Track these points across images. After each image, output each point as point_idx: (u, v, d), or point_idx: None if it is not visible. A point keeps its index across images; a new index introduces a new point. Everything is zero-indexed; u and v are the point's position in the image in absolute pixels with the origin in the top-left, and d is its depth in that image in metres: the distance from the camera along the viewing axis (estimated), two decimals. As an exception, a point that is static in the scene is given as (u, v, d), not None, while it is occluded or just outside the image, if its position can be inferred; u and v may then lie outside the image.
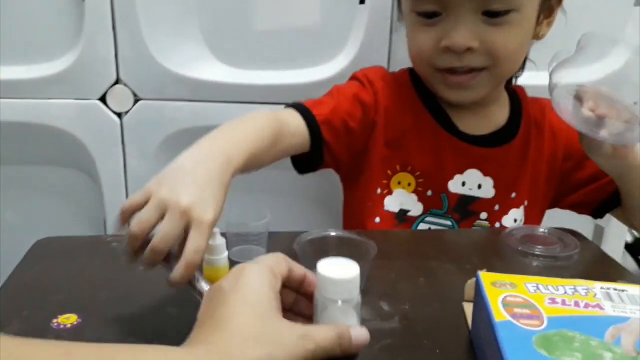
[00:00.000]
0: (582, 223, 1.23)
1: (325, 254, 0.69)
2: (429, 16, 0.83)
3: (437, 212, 0.91)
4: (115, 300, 0.63)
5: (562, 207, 0.99)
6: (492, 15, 0.80)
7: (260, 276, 0.48)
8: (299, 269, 0.53)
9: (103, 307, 0.62)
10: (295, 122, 0.84)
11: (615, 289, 0.55)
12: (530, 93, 1.00)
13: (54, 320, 0.58)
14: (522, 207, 0.93)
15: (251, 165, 0.70)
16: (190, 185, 0.57)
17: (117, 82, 1.09)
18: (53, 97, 1.09)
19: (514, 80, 1.00)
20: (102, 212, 1.16)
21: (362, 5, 1.07)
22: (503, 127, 0.93)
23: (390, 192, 0.92)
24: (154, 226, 0.54)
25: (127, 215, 0.57)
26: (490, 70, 0.85)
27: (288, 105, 0.87)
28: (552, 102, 0.78)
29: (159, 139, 1.12)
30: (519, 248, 0.77)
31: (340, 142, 0.88)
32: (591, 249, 0.81)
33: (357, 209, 0.94)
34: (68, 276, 0.68)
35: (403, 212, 0.91)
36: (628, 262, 1.41)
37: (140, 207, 0.56)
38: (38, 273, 0.68)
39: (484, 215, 0.92)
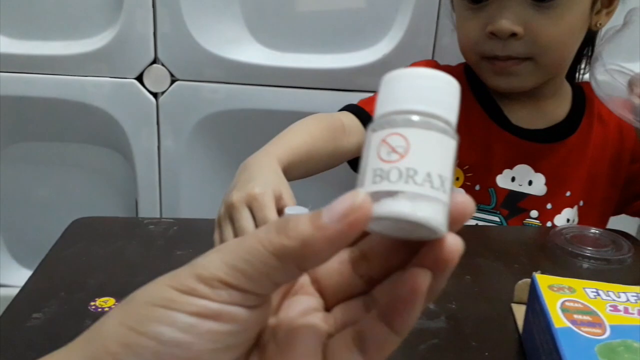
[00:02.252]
0: (625, 224, 1.19)
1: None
2: (476, 1, 0.81)
3: (485, 207, 0.89)
4: (154, 285, 0.61)
5: (629, 214, 0.95)
6: (541, 0, 0.77)
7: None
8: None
9: (141, 292, 0.60)
10: (349, 122, 0.83)
11: (680, 299, 0.52)
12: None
13: (92, 303, 0.57)
14: (576, 207, 0.90)
15: (305, 161, 0.72)
16: (235, 188, 0.62)
17: (154, 61, 1.08)
18: (90, 75, 1.09)
19: (577, 76, 0.96)
20: (135, 192, 1.15)
21: (408, -11, 1.04)
22: (560, 122, 0.90)
23: None
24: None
25: None
26: (536, 60, 0.81)
27: (341, 109, 0.87)
28: (596, 87, 0.73)
29: (194, 121, 1.11)
30: (569, 249, 0.74)
31: None
32: (644, 253, 0.77)
33: None
34: (105, 258, 0.67)
35: None
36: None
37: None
38: (75, 253, 0.67)
39: (534, 213, 0.89)
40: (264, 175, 0.63)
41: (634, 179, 0.91)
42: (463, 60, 0.94)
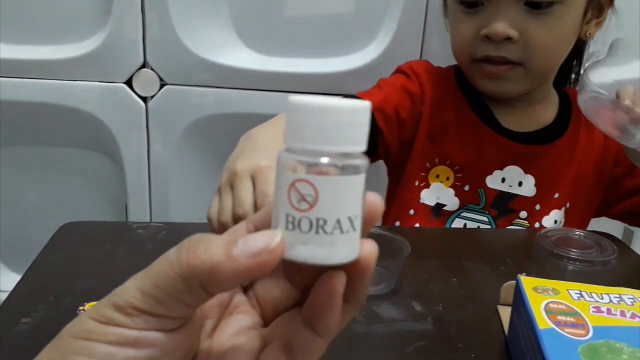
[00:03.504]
0: (611, 226, 1.20)
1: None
2: (471, 5, 0.82)
3: (474, 207, 0.90)
4: (142, 289, 0.62)
5: (610, 217, 0.96)
6: (535, 7, 0.78)
7: None
8: None
9: (130, 296, 0.60)
10: None
11: (662, 300, 0.53)
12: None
13: (81, 308, 0.57)
14: (563, 209, 0.91)
15: None
16: (239, 157, 0.62)
17: (143, 65, 1.08)
18: (79, 79, 1.08)
19: (571, 85, 0.98)
20: (124, 196, 1.15)
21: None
22: (549, 125, 0.91)
23: (427, 185, 0.91)
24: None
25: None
26: (526, 66, 0.82)
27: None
28: (582, 104, 0.75)
29: (183, 125, 1.11)
30: (554, 251, 0.75)
31: (392, 132, 0.88)
32: (629, 255, 0.78)
33: (396, 200, 0.94)
34: (94, 263, 0.67)
35: (439, 206, 0.90)
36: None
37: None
38: (64, 258, 0.67)
39: (523, 214, 0.90)
40: (270, 149, 0.62)
41: (616, 183, 0.92)
42: (449, 64, 0.95)
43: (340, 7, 1.08)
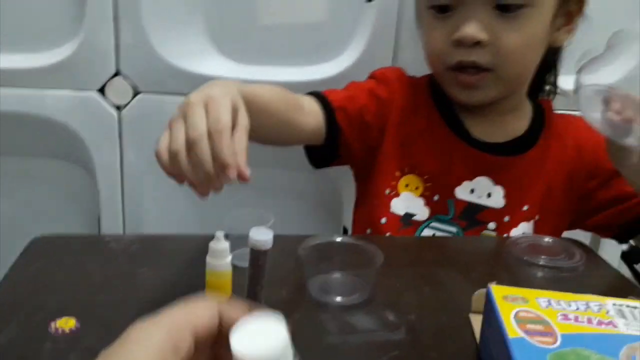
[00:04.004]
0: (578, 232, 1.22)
1: (330, 260, 0.69)
2: (442, 10, 0.83)
3: (443, 217, 0.90)
4: (114, 304, 0.61)
5: (584, 229, 0.97)
6: (504, 10, 0.80)
7: (147, 345, 0.37)
8: (235, 314, 0.39)
9: (102, 311, 0.60)
10: (309, 104, 0.85)
11: (628, 306, 0.54)
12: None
13: (52, 325, 0.57)
14: (532, 222, 0.91)
15: (262, 110, 0.71)
16: (197, 90, 0.61)
17: (116, 74, 1.07)
18: (50, 88, 1.07)
19: (541, 95, 0.99)
20: (97, 206, 1.14)
21: (369, 3, 1.05)
22: (520, 136, 0.92)
23: (397, 194, 0.91)
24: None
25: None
26: (497, 72, 0.83)
27: (305, 94, 0.88)
28: (578, 103, 0.73)
29: (157, 134, 1.07)
30: (524, 258, 0.76)
31: (354, 133, 0.89)
32: (596, 260, 0.80)
33: (367, 208, 0.94)
34: (66, 277, 0.66)
35: (409, 216, 0.91)
36: (624, 271, 1.41)
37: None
38: (35, 273, 0.67)
39: (492, 225, 0.90)
40: (221, 85, 0.62)
41: (589, 196, 0.93)
42: (421, 73, 0.96)
43: (314, 16, 1.08)
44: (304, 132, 0.84)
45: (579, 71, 0.74)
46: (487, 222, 0.90)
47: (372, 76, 0.95)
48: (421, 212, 0.90)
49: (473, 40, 0.80)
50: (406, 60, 1.05)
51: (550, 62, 0.93)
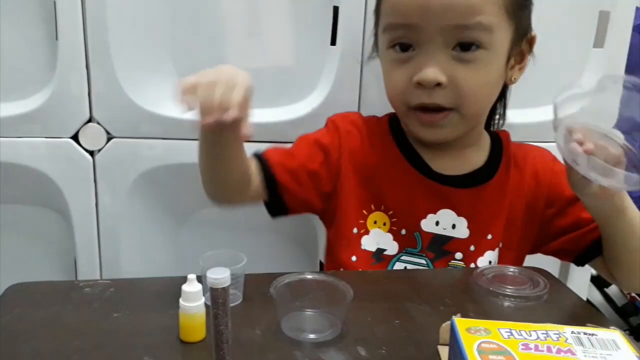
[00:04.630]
0: (549, 259, 1.25)
1: (302, 297, 0.70)
2: (404, 48, 0.86)
3: (412, 250, 0.93)
4: (90, 350, 0.62)
5: (545, 253, 1.00)
6: (463, 49, 0.83)
7: None
8: None
9: (77, 358, 0.61)
10: (252, 166, 0.90)
11: (585, 334, 0.56)
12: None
13: (28, 373, 0.57)
14: (497, 250, 0.94)
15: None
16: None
17: (90, 120, 1.08)
18: (24, 136, 1.08)
19: (493, 125, 1.02)
20: (73, 251, 1.14)
21: (333, 47, 1.09)
22: (479, 168, 0.95)
23: (367, 232, 0.93)
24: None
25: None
26: (459, 111, 0.86)
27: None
28: (555, 134, 0.76)
29: (132, 177, 1.12)
30: (490, 288, 0.79)
31: (303, 187, 0.91)
32: (559, 288, 0.83)
33: (335, 247, 0.96)
34: (41, 325, 0.67)
35: (380, 251, 0.93)
36: (594, 294, 1.44)
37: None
38: (10, 322, 0.67)
39: (459, 255, 0.93)
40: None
41: (547, 223, 0.96)
42: (387, 111, 1.00)
43: (281, 60, 1.12)
44: (256, 193, 0.90)
45: (556, 106, 0.76)
46: (454, 252, 0.93)
47: (325, 123, 0.99)
48: (391, 246, 0.93)
49: (433, 82, 0.83)
50: (372, 99, 1.09)
51: (500, 95, 0.96)
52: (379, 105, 1.02)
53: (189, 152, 1.11)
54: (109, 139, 1.10)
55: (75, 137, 1.09)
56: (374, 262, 0.92)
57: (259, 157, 0.91)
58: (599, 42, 1.19)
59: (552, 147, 1.26)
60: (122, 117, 1.09)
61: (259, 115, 1.10)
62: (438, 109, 0.86)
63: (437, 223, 0.92)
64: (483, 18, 0.81)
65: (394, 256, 0.93)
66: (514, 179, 0.95)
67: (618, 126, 0.82)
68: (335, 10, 1.07)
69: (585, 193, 0.81)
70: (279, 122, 1.09)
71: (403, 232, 0.93)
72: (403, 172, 0.93)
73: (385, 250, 0.93)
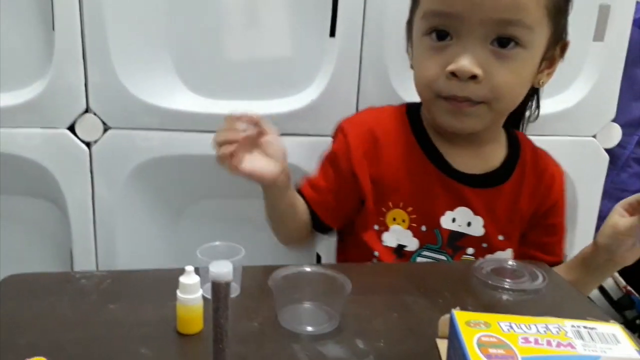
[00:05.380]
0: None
1: (300, 289, 0.70)
2: (440, 37, 0.84)
3: (432, 247, 0.92)
4: (86, 342, 0.62)
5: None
6: (501, 45, 0.81)
7: None
8: None
9: (73, 349, 0.60)
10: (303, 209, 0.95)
11: (585, 327, 0.56)
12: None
13: (23, 364, 0.57)
14: (508, 250, 0.94)
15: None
16: None
17: (86, 111, 1.08)
18: (20, 126, 1.07)
19: (521, 127, 1.03)
20: (69, 242, 1.14)
21: (332, 38, 1.08)
22: (497, 168, 0.94)
23: (387, 229, 0.93)
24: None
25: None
26: (490, 105, 0.85)
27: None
28: None
29: (128, 168, 1.11)
30: (489, 282, 0.78)
31: (337, 208, 0.95)
32: (558, 282, 0.83)
33: (355, 243, 0.96)
34: (37, 316, 0.66)
35: (401, 247, 0.92)
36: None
37: None
38: (6, 313, 0.67)
39: (470, 250, 0.93)
40: None
41: (534, 228, 0.97)
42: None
43: (279, 52, 1.11)
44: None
45: None
46: (467, 247, 0.93)
47: (334, 131, 0.99)
48: (411, 243, 0.92)
49: (469, 74, 0.81)
50: (370, 90, 1.08)
51: (529, 97, 0.98)
52: (377, 98, 1.01)
53: (186, 143, 1.11)
54: (105, 130, 1.09)
55: (71, 128, 1.09)
56: (395, 258, 0.92)
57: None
58: (599, 35, 1.19)
59: (551, 141, 1.26)
60: (119, 108, 1.08)
61: (256, 107, 1.10)
62: (469, 102, 0.85)
63: (453, 220, 0.92)
64: (526, 16, 0.80)
65: (414, 252, 0.93)
66: (529, 183, 0.95)
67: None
68: (335, 1, 1.06)
69: (618, 255, 0.88)
70: (274, 114, 1.08)
71: (423, 228, 0.92)
72: (422, 168, 0.92)
73: (405, 246, 0.92)
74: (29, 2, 1.05)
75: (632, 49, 1.21)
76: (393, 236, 0.92)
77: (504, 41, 0.81)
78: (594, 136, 1.26)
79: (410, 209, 0.92)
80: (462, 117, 0.86)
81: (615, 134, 1.27)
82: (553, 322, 0.57)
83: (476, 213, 0.92)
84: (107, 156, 1.10)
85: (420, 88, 0.90)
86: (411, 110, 0.96)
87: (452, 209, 0.92)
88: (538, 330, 0.55)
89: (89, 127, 1.08)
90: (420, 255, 0.93)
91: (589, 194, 1.27)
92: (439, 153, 0.93)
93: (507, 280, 0.78)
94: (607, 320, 0.59)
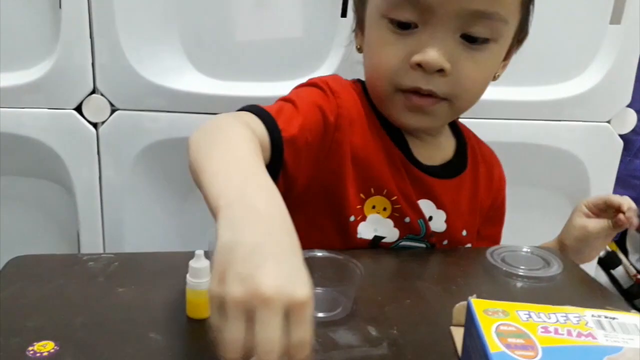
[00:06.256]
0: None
1: (311, 274, 0.68)
2: (404, 26, 0.75)
3: (414, 237, 0.86)
4: (94, 325, 0.61)
5: None
6: (471, 41, 0.74)
7: None
8: None
9: (81, 333, 0.59)
10: (260, 133, 0.70)
11: (606, 317, 0.55)
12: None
13: (30, 349, 0.56)
14: (467, 246, 0.91)
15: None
16: (260, 261, 0.42)
17: (93, 91, 1.06)
18: (27, 107, 1.06)
19: None
20: (76, 224, 1.13)
21: (343, 19, 1.06)
22: (452, 158, 0.89)
23: (364, 218, 0.83)
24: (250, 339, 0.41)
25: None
26: (451, 102, 0.78)
27: (245, 108, 0.75)
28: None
29: (135, 150, 1.10)
30: (504, 269, 0.77)
31: (299, 161, 0.76)
32: (573, 270, 0.81)
33: (324, 236, 0.83)
34: (44, 299, 0.65)
35: (378, 239, 0.84)
36: (600, 277, 1.43)
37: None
38: (12, 295, 0.65)
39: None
40: (293, 249, 0.47)
41: (486, 221, 0.96)
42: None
43: (289, 32, 1.09)
44: None
45: None
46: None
47: (313, 84, 0.83)
48: (390, 234, 0.84)
49: (436, 67, 0.73)
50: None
51: None
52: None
53: (194, 125, 1.08)
54: (112, 111, 1.08)
55: (78, 109, 1.08)
56: None
57: (267, 120, 0.72)
58: (615, 18, 1.16)
59: (565, 126, 1.23)
60: (126, 89, 1.07)
61: (265, 89, 1.09)
62: (429, 96, 0.77)
63: None
64: (502, 8, 0.73)
65: (392, 243, 0.85)
66: (483, 171, 0.92)
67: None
68: (346, -18, 1.04)
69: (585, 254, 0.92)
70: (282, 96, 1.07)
71: (407, 219, 0.84)
72: (394, 155, 0.83)
73: (384, 237, 0.84)
74: (35, -20, 1.04)
75: (649, 33, 1.19)
76: (370, 227, 0.83)
77: (476, 34, 0.74)
78: (609, 122, 1.24)
79: (394, 197, 0.82)
80: (420, 116, 0.79)
81: (630, 120, 1.25)
82: (573, 312, 0.55)
83: (439, 207, 0.86)
84: (114, 138, 1.09)
85: (375, 79, 0.80)
86: (366, 90, 0.85)
87: (415, 201, 0.85)
88: (558, 320, 0.54)
89: (96, 108, 1.07)
90: (398, 246, 0.85)
91: (602, 181, 1.26)
92: (404, 139, 0.84)
93: (522, 267, 0.77)
94: (627, 310, 0.58)
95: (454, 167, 0.88)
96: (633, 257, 0.89)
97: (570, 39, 1.16)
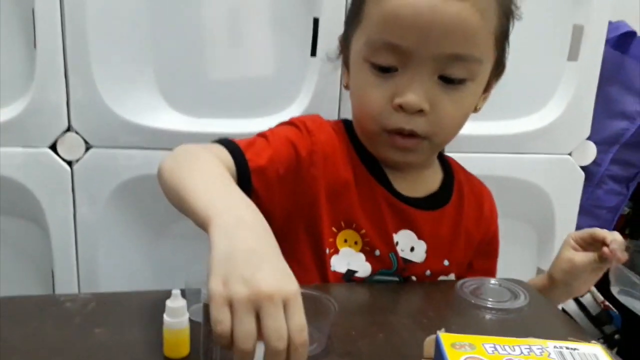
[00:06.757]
0: (525, 266, 1.27)
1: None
2: (384, 70, 0.79)
3: (387, 272, 0.88)
4: (72, 367, 0.61)
5: None
6: (448, 81, 0.79)
7: None
8: None
9: (60, 375, 0.60)
10: (226, 162, 0.76)
11: (567, 348, 0.57)
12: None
13: (9, 392, 0.56)
14: (451, 275, 0.93)
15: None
16: (258, 264, 0.51)
17: (68, 129, 1.07)
18: (1, 145, 1.06)
19: None
20: (50, 262, 1.13)
21: (313, 58, 1.09)
22: (436, 191, 0.93)
23: (337, 251, 0.85)
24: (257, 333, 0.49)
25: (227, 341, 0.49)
26: (431, 139, 0.83)
27: (216, 140, 0.81)
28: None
29: (110, 187, 1.11)
30: (472, 301, 0.80)
31: (272, 193, 0.80)
32: (539, 301, 0.84)
33: (300, 268, 0.84)
34: (20, 342, 0.65)
35: (351, 273, 0.86)
36: (570, 304, 1.46)
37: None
38: (-11, 338, 0.66)
39: (413, 279, 0.90)
40: (275, 252, 0.55)
41: (480, 255, 0.98)
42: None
43: (261, 71, 1.12)
44: None
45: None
46: (410, 276, 0.89)
47: (290, 122, 0.88)
48: (363, 268, 0.86)
49: (416, 108, 0.78)
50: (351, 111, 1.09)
51: None
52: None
53: (169, 162, 1.10)
54: (87, 149, 1.09)
55: (53, 147, 1.08)
56: None
57: (234, 151, 0.79)
58: (573, 55, 1.22)
59: (528, 159, 1.28)
60: (101, 127, 1.08)
61: (239, 126, 1.11)
62: (411, 136, 0.82)
63: (396, 244, 0.88)
64: (477, 49, 0.78)
65: (365, 278, 0.87)
66: (470, 203, 0.94)
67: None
68: (316, 22, 1.08)
69: (584, 267, 0.91)
70: (256, 132, 1.09)
71: (377, 253, 0.86)
72: (370, 188, 0.87)
73: (356, 272, 0.86)
74: (11, 20, 1.05)
75: (605, 68, 1.24)
76: (343, 260, 0.85)
77: (452, 76, 0.78)
78: (570, 154, 1.29)
79: (363, 231, 0.86)
80: (405, 153, 0.84)
81: (590, 152, 1.30)
82: (536, 344, 0.58)
83: (420, 237, 0.89)
84: (89, 175, 1.10)
85: (363, 120, 0.86)
86: (350, 129, 0.90)
87: (396, 232, 0.88)
88: (522, 352, 0.56)
89: (70, 146, 1.08)
90: (372, 281, 0.87)
91: (566, 211, 1.30)
92: (384, 172, 0.88)
93: (490, 299, 0.80)
94: (588, 340, 0.61)
95: (437, 200, 0.92)
96: (614, 288, 0.91)
97: (531, 75, 1.21)
